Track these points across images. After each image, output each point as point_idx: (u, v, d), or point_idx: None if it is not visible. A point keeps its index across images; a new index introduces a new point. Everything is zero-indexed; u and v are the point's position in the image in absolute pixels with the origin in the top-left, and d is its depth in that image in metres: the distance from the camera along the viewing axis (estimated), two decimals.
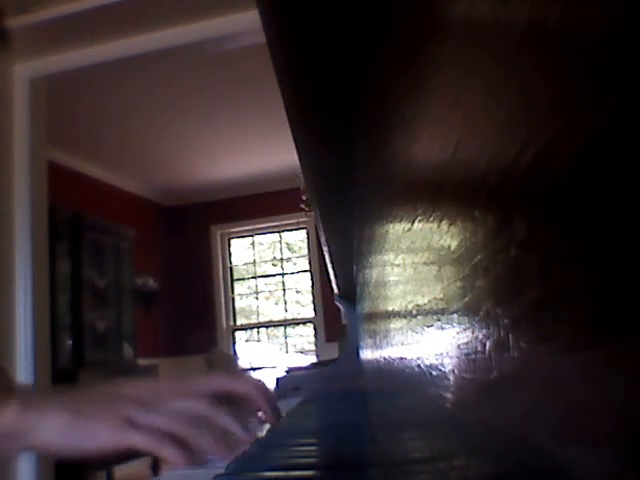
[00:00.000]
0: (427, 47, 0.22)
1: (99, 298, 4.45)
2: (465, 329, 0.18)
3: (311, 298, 5.82)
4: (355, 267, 1.26)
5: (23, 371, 2.65)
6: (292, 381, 2.06)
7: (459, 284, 0.19)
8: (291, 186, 4.91)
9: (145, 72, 3.49)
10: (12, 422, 0.52)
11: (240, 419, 0.57)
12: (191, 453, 0.52)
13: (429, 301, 0.25)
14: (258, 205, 5.81)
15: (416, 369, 0.30)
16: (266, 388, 0.62)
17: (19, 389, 0.84)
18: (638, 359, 0.08)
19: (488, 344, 0.16)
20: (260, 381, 0.62)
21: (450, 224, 0.20)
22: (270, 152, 5.00)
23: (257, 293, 6.13)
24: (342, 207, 0.89)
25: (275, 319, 6.01)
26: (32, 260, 2.72)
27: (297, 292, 6.06)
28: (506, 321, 0.14)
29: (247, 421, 0.59)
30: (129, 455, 3.97)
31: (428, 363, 0.26)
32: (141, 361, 4.74)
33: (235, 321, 6.02)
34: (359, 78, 0.48)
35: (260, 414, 0.61)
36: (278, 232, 6.04)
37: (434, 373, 0.24)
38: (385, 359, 0.55)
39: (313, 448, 0.91)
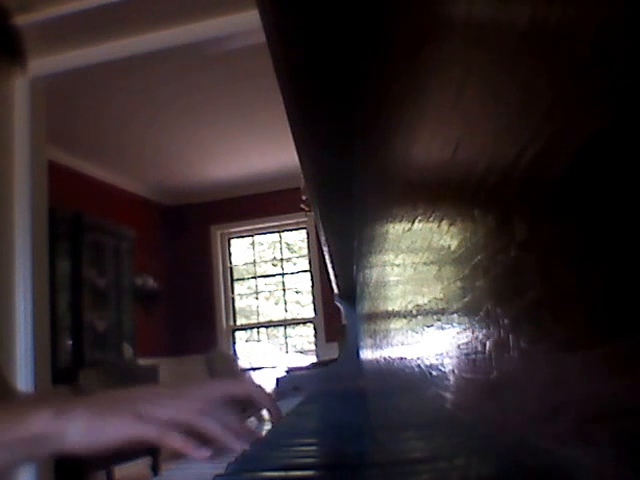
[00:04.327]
0: (427, 47, 0.22)
1: (99, 298, 4.45)
2: (465, 329, 0.18)
3: (311, 298, 5.82)
4: (355, 267, 1.26)
5: (23, 371, 2.65)
6: (292, 381, 2.06)
7: (459, 284, 0.19)
8: (291, 186, 4.91)
9: (145, 72, 3.49)
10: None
11: (241, 419, 0.60)
12: (196, 442, 0.56)
13: (429, 301, 0.25)
14: (258, 205, 5.80)
15: (416, 369, 0.30)
16: (265, 390, 0.65)
17: (18, 393, 0.84)
18: (638, 359, 0.08)
19: (488, 344, 0.16)
20: (258, 384, 0.65)
21: (450, 224, 0.20)
22: (270, 152, 5.00)
23: (257, 293, 6.13)
24: (342, 207, 0.89)
25: (275, 319, 6.01)
26: (32, 260, 2.72)
27: (297, 292, 6.06)
28: (506, 321, 0.14)
29: (246, 421, 0.62)
30: (129, 455, 3.97)
31: (428, 363, 0.26)
32: (141, 361, 4.74)
33: (235, 321, 6.02)
34: (359, 78, 0.48)
35: (264, 413, 0.63)
36: (278, 232, 6.04)
37: (434, 373, 0.24)
38: (385, 359, 0.55)
39: (313, 448, 0.91)
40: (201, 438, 0.56)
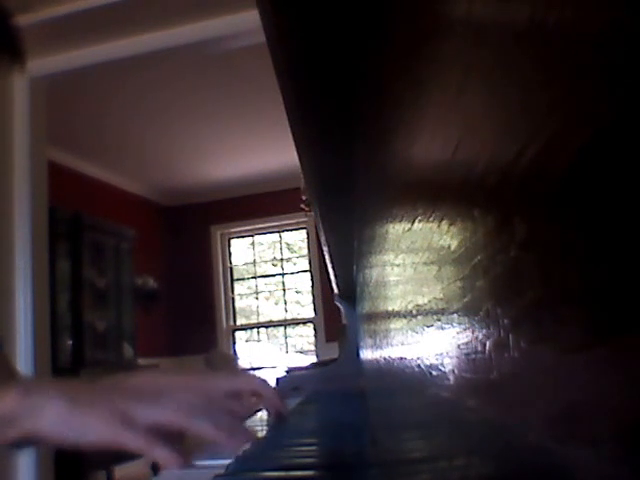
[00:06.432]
0: (427, 47, 0.22)
1: (99, 298, 4.45)
2: (465, 329, 0.18)
3: (311, 298, 5.82)
4: (355, 267, 1.26)
5: (23, 371, 2.65)
6: (292, 381, 2.06)
7: (459, 284, 0.19)
8: (291, 186, 4.91)
9: (145, 72, 3.49)
10: (13, 406, 0.52)
11: (240, 417, 0.57)
12: (182, 454, 0.51)
13: (429, 301, 0.25)
14: (258, 205, 5.81)
15: (416, 369, 0.30)
16: (270, 385, 0.62)
17: (20, 377, 0.83)
18: (638, 359, 0.08)
19: (488, 344, 0.16)
20: (264, 379, 0.63)
21: (450, 224, 0.20)
22: (270, 152, 5.00)
23: (257, 293, 6.13)
24: (342, 207, 0.89)
25: (275, 319, 6.01)
26: (32, 260, 2.72)
27: (297, 292, 6.06)
28: (506, 321, 0.14)
29: (245, 420, 0.59)
30: (129, 455, 3.98)
31: (428, 363, 0.26)
32: (141, 361, 4.74)
33: (235, 321, 6.02)
34: (359, 78, 0.48)
35: (268, 411, 0.62)
36: (278, 232, 6.04)
37: (434, 373, 0.24)
38: (385, 359, 0.55)
39: (313, 448, 0.91)
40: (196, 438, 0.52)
